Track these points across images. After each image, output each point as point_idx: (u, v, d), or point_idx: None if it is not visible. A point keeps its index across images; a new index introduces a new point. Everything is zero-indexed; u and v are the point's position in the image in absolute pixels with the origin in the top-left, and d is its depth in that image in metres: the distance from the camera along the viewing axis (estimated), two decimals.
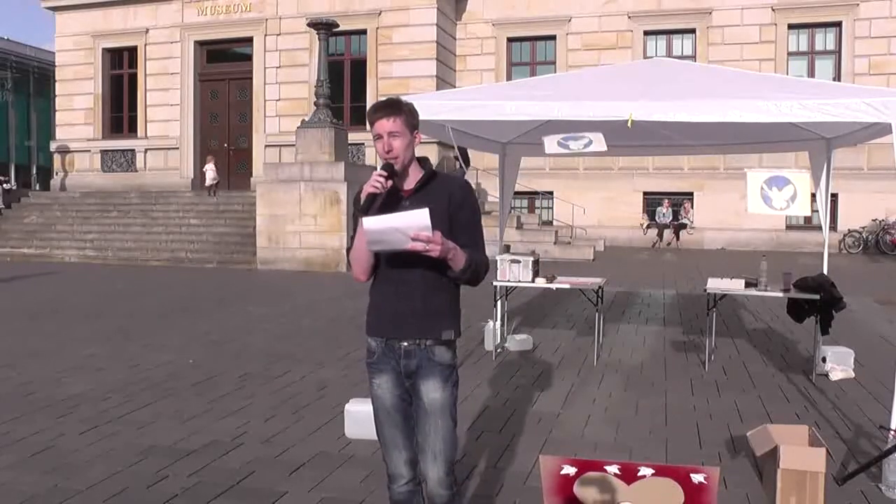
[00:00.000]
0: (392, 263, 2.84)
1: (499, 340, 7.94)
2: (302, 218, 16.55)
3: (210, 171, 22.06)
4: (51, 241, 20.43)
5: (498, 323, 7.93)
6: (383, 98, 2.91)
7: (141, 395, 6.37)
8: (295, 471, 4.61)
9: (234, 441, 5.15)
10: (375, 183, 2.74)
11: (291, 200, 16.62)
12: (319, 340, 8.78)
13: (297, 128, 17.47)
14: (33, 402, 6.24)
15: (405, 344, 2.88)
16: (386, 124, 2.82)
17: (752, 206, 4.48)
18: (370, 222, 2.68)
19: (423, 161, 2.95)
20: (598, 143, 4.58)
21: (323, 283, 14.19)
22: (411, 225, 2.61)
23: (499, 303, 7.91)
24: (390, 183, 2.79)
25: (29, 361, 7.73)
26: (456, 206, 2.86)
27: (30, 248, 20.22)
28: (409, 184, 2.89)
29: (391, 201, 2.80)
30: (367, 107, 15.97)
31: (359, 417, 5.16)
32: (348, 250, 2.80)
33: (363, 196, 2.78)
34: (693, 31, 22.09)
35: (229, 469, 4.64)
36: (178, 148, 23.97)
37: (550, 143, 4.53)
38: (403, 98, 2.99)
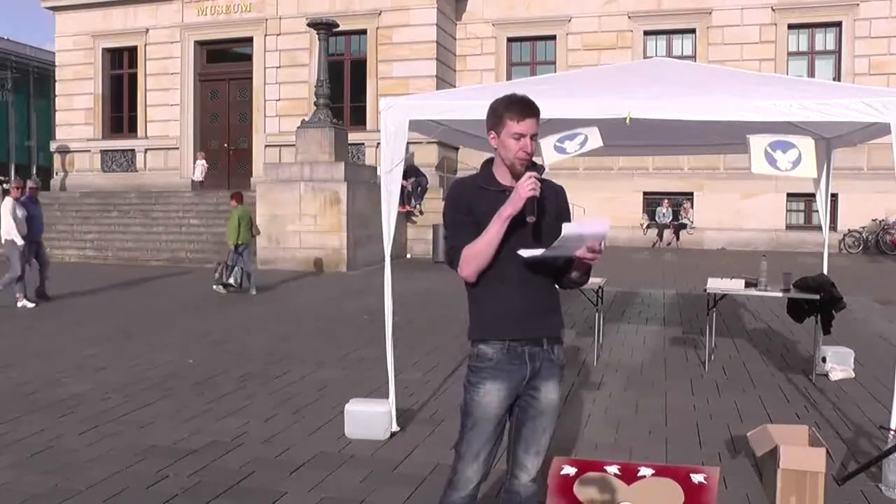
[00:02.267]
0: (512, 263, 2.77)
1: None
2: (302, 218, 16.55)
3: (200, 166, 22.37)
4: (51, 241, 20.35)
5: None
6: (512, 96, 2.83)
7: (141, 395, 6.37)
8: (295, 471, 4.61)
9: (234, 441, 5.16)
10: (533, 185, 2.71)
11: (291, 200, 16.62)
12: (319, 340, 8.78)
13: (297, 128, 17.47)
14: (33, 402, 6.24)
15: (529, 346, 2.85)
16: (532, 125, 2.81)
17: (755, 167, 4.44)
18: (569, 228, 2.64)
19: (533, 164, 2.91)
20: (594, 138, 4.56)
21: (323, 284, 14.20)
22: (593, 233, 2.63)
23: None
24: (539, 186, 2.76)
25: (29, 361, 7.73)
26: (563, 210, 2.93)
27: None
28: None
29: (502, 202, 2.76)
30: (367, 107, 15.89)
31: (359, 417, 5.18)
32: (453, 249, 2.63)
33: (519, 199, 2.71)
34: (693, 31, 22.08)
35: (229, 469, 4.65)
36: (178, 148, 23.96)
37: (548, 149, 4.51)
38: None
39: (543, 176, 2.89)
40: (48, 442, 5.23)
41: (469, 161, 20.44)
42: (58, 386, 6.75)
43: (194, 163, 22.95)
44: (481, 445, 2.85)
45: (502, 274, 2.80)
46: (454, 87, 21.70)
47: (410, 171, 17.85)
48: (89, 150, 25.21)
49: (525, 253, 2.70)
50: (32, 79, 61.80)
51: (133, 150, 24.67)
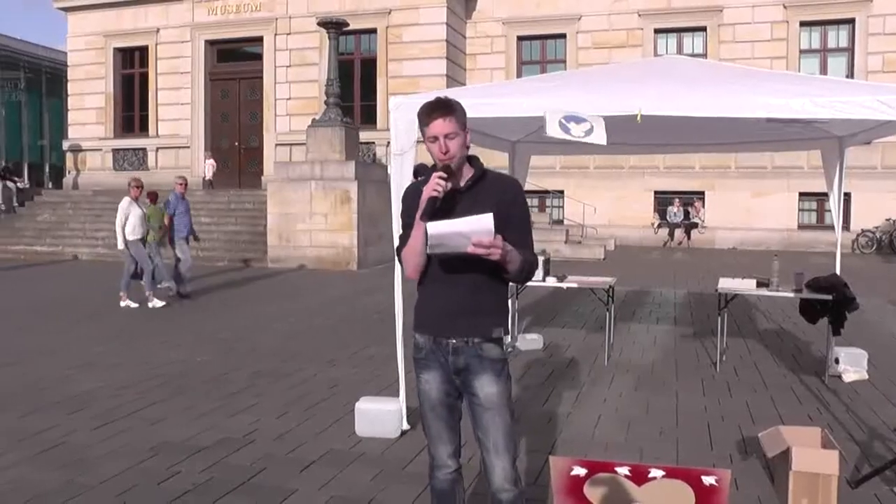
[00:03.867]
0: (443, 263, 2.82)
1: (509, 340, 7.93)
2: (313, 216, 16.58)
3: (209, 165, 22.61)
4: (63, 239, 20.54)
5: (509, 323, 7.91)
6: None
7: (152, 392, 6.40)
8: (305, 468, 4.62)
9: (245, 438, 5.17)
10: (436, 186, 2.74)
11: (302, 199, 16.65)
12: (330, 339, 8.80)
13: (308, 127, 17.51)
14: (45, 398, 6.28)
15: (454, 341, 2.88)
16: (442, 125, 2.80)
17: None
18: (434, 227, 2.66)
19: (472, 159, 2.94)
20: (599, 131, 4.56)
21: (334, 282, 14.22)
22: (475, 229, 2.62)
23: (508, 302, 7.88)
24: (449, 185, 2.78)
25: (40, 358, 7.78)
26: (507, 204, 2.85)
27: (42, 246, 20.32)
28: (461, 182, 2.88)
29: (445, 199, 2.79)
30: (378, 106, 16.01)
31: (369, 415, 5.18)
32: (398, 249, 2.80)
33: (423, 200, 2.76)
34: (704, 28, 22.02)
35: (240, 466, 4.65)
36: (189, 147, 24.07)
37: (552, 123, 4.53)
38: (450, 96, 2.95)
39: (496, 169, 2.91)
40: (60, 438, 5.25)
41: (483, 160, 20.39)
42: (69, 382, 6.79)
43: (205, 162, 23.07)
44: (438, 429, 2.98)
45: (433, 273, 2.89)
46: (464, 86, 21.71)
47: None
48: (101, 149, 25.36)
49: (432, 233, 2.72)
50: (45, 79, 62.09)
51: (144, 149, 24.80)
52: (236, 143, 24.01)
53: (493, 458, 2.89)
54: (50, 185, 42.62)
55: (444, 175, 2.77)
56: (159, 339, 8.75)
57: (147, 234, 11.65)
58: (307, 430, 5.34)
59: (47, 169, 60.50)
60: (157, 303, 11.20)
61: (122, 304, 11.18)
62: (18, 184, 29.22)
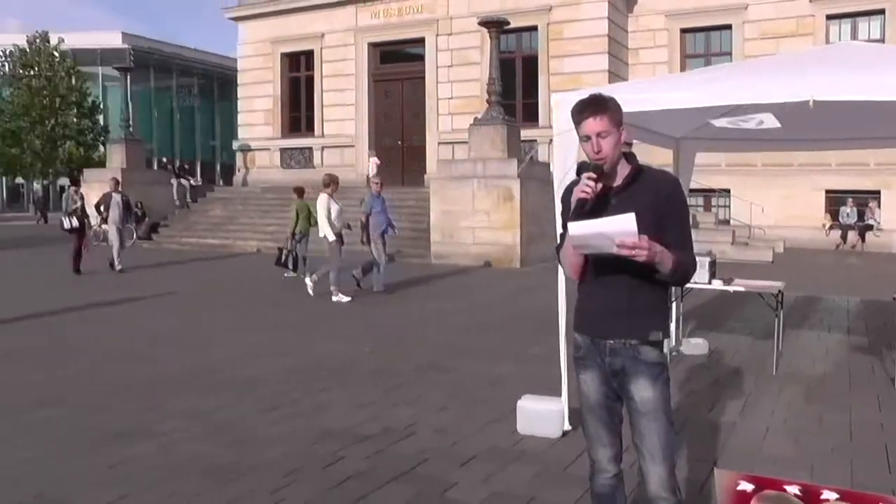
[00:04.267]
0: (600, 263, 2.81)
1: (673, 344, 7.74)
2: (475, 214, 16.79)
3: (373, 163, 23.17)
4: (233, 233, 21.85)
5: (672, 326, 7.73)
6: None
7: (319, 381, 6.72)
8: (466, 462, 4.71)
9: (407, 429, 5.33)
10: (585, 188, 2.73)
11: (465, 197, 16.89)
12: (494, 336, 8.89)
13: (470, 125, 17.74)
14: (219, 379, 6.78)
15: (611, 343, 2.87)
16: (594, 124, 2.78)
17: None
18: (576, 227, 2.68)
19: (629, 156, 2.90)
20: (770, 121, 4.34)
21: (496, 279, 14.35)
22: (617, 230, 2.60)
23: (673, 305, 7.70)
24: (600, 186, 2.77)
25: (217, 342, 8.37)
26: (663, 203, 2.80)
27: (214, 239, 21.72)
28: (617, 181, 2.86)
29: (599, 199, 2.78)
30: (539, 103, 15.97)
31: (531, 414, 5.21)
32: (557, 249, 2.83)
33: (573, 200, 2.78)
34: (882, 11, 20.44)
35: (403, 455, 4.81)
36: (353, 146, 24.96)
37: (720, 122, 4.37)
38: (605, 93, 2.92)
39: (652, 165, 2.85)
40: (232, 418, 5.65)
41: (644, 157, 19.96)
42: (241, 367, 7.27)
43: (368, 160, 23.83)
44: (597, 431, 2.97)
45: (592, 272, 2.88)
46: (626, 81, 21.30)
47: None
48: (269, 149, 26.79)
49: (573, 233, 2.72)
50: (216, 84, 66.23)
51: (310, 148, 25.96)
52: (399, 142, 24.66)
53: (650, 465, 2.85)
54: (221, 183, 45.41)
55: (594, 176, 2.75)
56: (328, 330, 9.17)
57: (339, 229, 11.96)
58: (468, 425, 5.43)
59: (218, 167, 64.51)
60: (341, 298, 11.46)
61: (334, 298, 11.44)
62: (192, 181, 31.37)
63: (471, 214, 16.86)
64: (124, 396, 6.32)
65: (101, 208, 15.94)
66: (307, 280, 11.96)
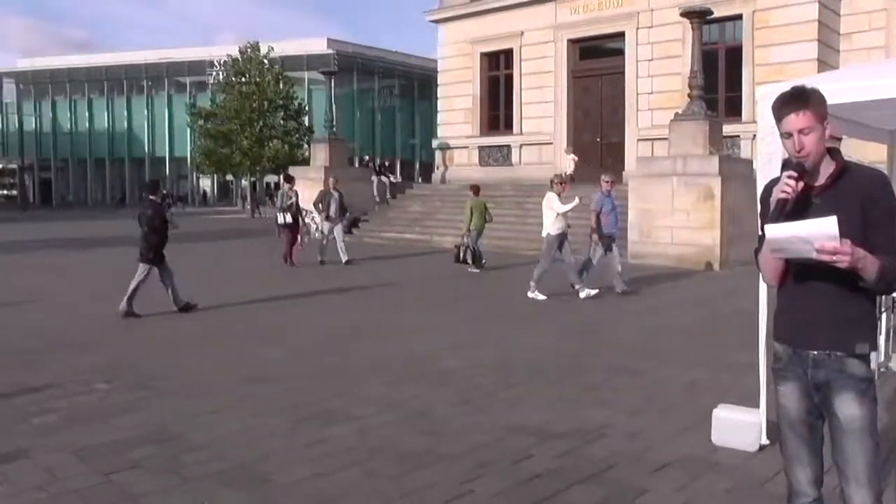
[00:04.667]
0: (802, 268, 2.64)
1: (882, 359, 7.06)
2: (674, 213, 16.25)
3: (570, 160, 22.94)
4: (430, 228, 22.48)
5: (882, 339, 7.06)
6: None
7: (512, 376, 6.78)
8: (658, 469, 4.57)
9: (598, 431, 5.25)
10: (785, 187, 2.58)
11: (663, 195, 16.39)
12: (690, 340, 8.57)
13: (671, 121, 17.19)
14: (416, 371, 7.01)
15: (814, 353, 2.68)
16: (795, 121, 2.60)
17: None
18: (773, 231, 2.55)
19: (833, 152, 2.69)
20: None
21: (694, 281, 13.82)
22: (817, 234, 2.43)
23: (882, 316, 7.03)
24: (801, 185, 2.60)
25: (413, 334, 8.67)
26: (870, 203, 2.58)
27: (412, 234, 22.47)
28: (820, 179, 2.67)
29: (800, 199, 2.62)
30: (743, 97, 15.10)
31: (727, 425, 4.96)
32: (756, 251, 2.68)
33: (772, 201, 2.63)
34: None
35: (593, 457, 4.74)
36: (551, 143, 24.90)
37: None
38: (808, 84, 2.71)
39: (858, 161, 2.61)
40: (425, 407, 5.83)
41: (855, 153, 18.42)
42: (436, 359, 7.47)
43: (566, 157, 23.72)
44: (797, 449, 2.77)
45: (794, 277, 2.68)
46: (837, 69, 19.73)
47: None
48: (468, 147, 27.30)
49: (770, 237, 2.57)
50: (416, 84, 68.68)
51: (509, 146, 26.17)
52: (598, 139, 24.33)
53: (853, 490, 2.62)
54: (420, 180, 46.92)
55: (795, 174, 2.57)
56: (523, 326, 9.23)
57: (563, 229, 11.85)
58: (661, 431, 5.27)
59: (417, 165, 66.89)
60: (589, 292, 11.36)
61: (582, 294, 11.39)
62: (392, 179, 32.66)
63: (669, 213, 16.31)
64: (324, 380, 6.73)
65: (321, 205, 16.95)
66: (530, 289, 11.62)
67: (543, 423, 5.43)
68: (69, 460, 4.77)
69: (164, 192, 54.96)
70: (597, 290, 11.45)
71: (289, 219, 16.31)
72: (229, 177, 55.77)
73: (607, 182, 12.39)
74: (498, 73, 26.87)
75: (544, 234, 11.83)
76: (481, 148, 27.04)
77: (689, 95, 17.01)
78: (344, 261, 16.22)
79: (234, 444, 5.04)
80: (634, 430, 5.28)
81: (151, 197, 10.64)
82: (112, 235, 26.74)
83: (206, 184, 70.11)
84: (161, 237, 10.24)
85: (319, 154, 27.20)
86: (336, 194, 16.87)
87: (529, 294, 11.49)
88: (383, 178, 29.54)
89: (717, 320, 9.84)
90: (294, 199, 16.70)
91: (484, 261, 15.51)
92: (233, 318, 9.98)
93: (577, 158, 23.20)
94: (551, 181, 12.01)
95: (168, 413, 5.74)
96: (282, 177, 18.56)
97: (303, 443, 5.06)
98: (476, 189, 16.02)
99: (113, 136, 73.29)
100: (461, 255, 15.41)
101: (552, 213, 11.61)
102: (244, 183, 54.93)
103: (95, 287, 13.36)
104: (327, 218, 16.88)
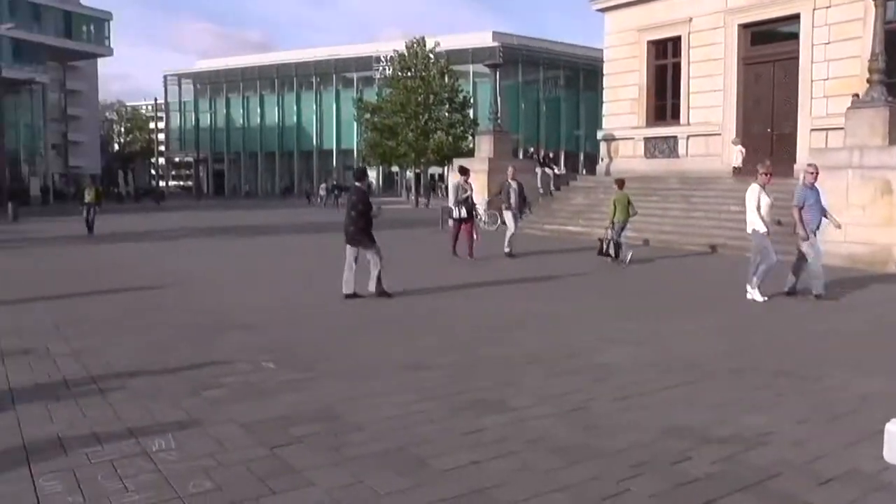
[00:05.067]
0: None
1: None
2: (848, 209, 15.22)
3: (738, 151, 21.98)
4: (593, 221, 22.21)
5: None
6: None
7: (671, 374, 6.69)
8: (824, 483, 4.37)
9: (761, 437, 5.08)
10: None
11: (837, 189, 15.37)
12: (866, 346, 8.08)
13: (847, 108, 16.17)
14: (574, 364, 7.06)
15: None
16: None
17: None
18: None
19: None
20: None
21: (869, 283, 12.90)
22: None
23: None
24: None
25: (576, 328, 8.65)
26: None
27: (574, 226, 22.33)
28: None
29: None
30: None
31: None
32: None
33: None
34: None
35: (754, 465, 4.61)
36: (719, 134, 23.99)
37: None
38: None
39: None
40: (583, 402, 5.86)
41: None
42: (596, 354, 7.47)
43: (733, 148, 22.80)
44: None
45: None
46: None
47: None
48: (633, 138, 26.74)
49: None
50: (581, 75, 67.94)
51: (675, 137, 25.44)
52: (768, 130, 23.18)
53: None
54: (584, 172, 46.51)
55: None
56: (681, 324, 9.03)
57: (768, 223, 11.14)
58: (829, 442, 5.02)
59: (581, 157, 66.34)
60: (756, 296, 10.81)
61: (749, 295, 10.89)
62: (555, 170, 32.46)
63: (844, 209, 15.24)
64: (482, 369, 6.90)
65: (501, 196, 17.07)
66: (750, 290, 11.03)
67: (703, 425, 5.32)
68: (237, 432, 5.18)
69: (334, 182, 57.57)
70: (765, 299, 10.77)
71: (464, 213, 16.28)
72: (394, 168, 57.50)
73: (811, 174, 11.39)
74: (665, 61, 26.13)
75: (749, 230, 11.17)
76: (647, 139, 26.42)
77: (868, 80, 15.89)
78: (506, 252, 16.31)
79: (393, 427, 5.28)
80: (799, 439, 5.07)
81: (357, 184, 11.35)
82: (279, 224, 28.32)
83: (371, 175, 72.78)
84: (367, 221, 10.87)
85: (484, 146, 27.49)
86: (515, 184, 16.89)
87: (749, 294, 10.88)
88: (547, 170, 29.50)
89: (892, 325, 9.22)
90: (469, 192, 16.62)
91: (630, 254, 15.53)
92: (396, 306, 10.36)
93: (744, 150, 22.25)
94: (757, 171, 11.30)
95: (331, 394, 6.10)
96: (456, 168, 18.69)
97: (460, 430, 5.21)
98: (621, 182, 16.28)
99: (283, 130, 77.31)
100: (604, 248, 15.59)
101: (756, 209, 10.99)
102: (408, 174, 56.43)
103: (262, 271, 14.22)
104: (508, 208, 16.92)
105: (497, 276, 13.26)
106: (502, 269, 14.61)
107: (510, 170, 17.54)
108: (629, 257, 15.48)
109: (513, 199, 16.78)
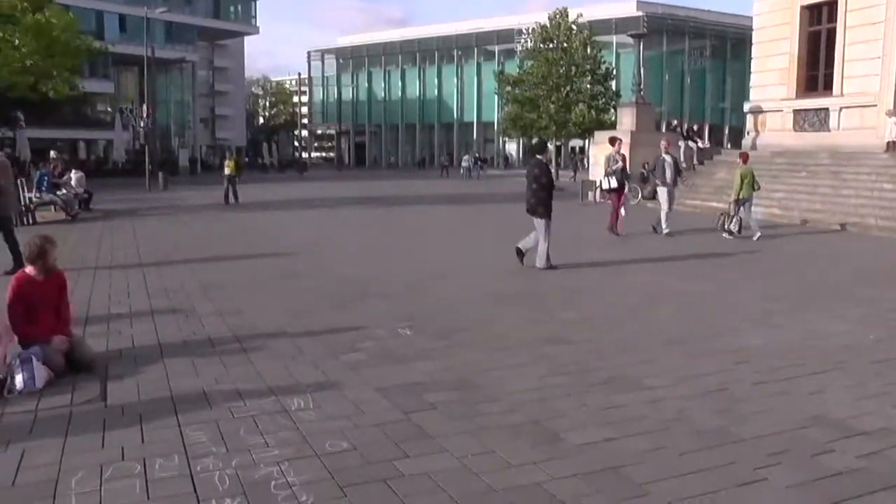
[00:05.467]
0: None
1: None
2: None
3: (892, 124, 20.62)
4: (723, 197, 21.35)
5: None
6: None
7: (815, 361, 6.42)
8: None
9: None
10: None
11: None
12: None
13: None
14: (715, 346, 6.90)
15: None
16: None
17: None
18: None
19: None
20: None
21: None
22: None
23: None
24: None
25: (714, 307, 8.39)
26: None
27: (718, 203, 21.45)
28: None
29: None
30: None
31: None
32: None
33: None
34: None
35: None
36: (875, 105, 22.41)
37: None
38: None
39: None
40: (721, 384, 5.72)
41: None
42: (737, 336, 7.27)
43: (888, 121, 21.26)
44: None
45: None
46: None
47: None
48: (781, 110, 25.42)
49: None
50: (729, 44, 65.10)
51: (826, 109, 23.97)
52: None
53: None
54: (729, 146, 44.74)
55: None
56: (827, 309, 8.63)
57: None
58: None
59: (727, 130, 63.76)
60: None
61: None
62: (700, 144, 31.37)
63: None
64: (620, 346, 6.87)
65: (655, 171, 16.48)
66: None
67: (848, 416, 5.09)
68: (373, 396, 5.40)
69: (476, 154, 58.01)
70: None
71: (614, 183, 15.66)
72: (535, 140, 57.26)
73: None
74: (819, 27, 24.55)
75: None
76: (796, 111, 25.01)
77: None
78: (664, 232, 15.55)
79: (528, 399, 5.35)
80: None
81: (538, 156, 11.57)
82: (417, 194, 28.69)
83: (511, 148, 72.61)
84: (548, 193, 11.07)
85: (626, 118, 26.90)
86: (670, 158, 16.05)
87: None
88: (691, 144, 28.57)
89: None
90: (621, 162, 15.92)
91: (759, 234, 14.88)
92: (535, 280, 10.42)
93: None
94: None
95: (466, 363, 6.24)
96: (607, 140, 17.99)
97: (595, 406, 5.23)
98: (745, 156, 16.14)
99: (423, 103, 78.28)
100: (723, 223, 15.37)
101: None
102: (549, 147, 56.12)
103: (400, 241, 14.51)
104: (663, 184, 15.93)
105: (639, 254, 13.06)
106: (644, 245, 14.33)
107: (663, 143, 16.68)
108: (757, 236, 14.83)
109: (668, 174, 15.78)
